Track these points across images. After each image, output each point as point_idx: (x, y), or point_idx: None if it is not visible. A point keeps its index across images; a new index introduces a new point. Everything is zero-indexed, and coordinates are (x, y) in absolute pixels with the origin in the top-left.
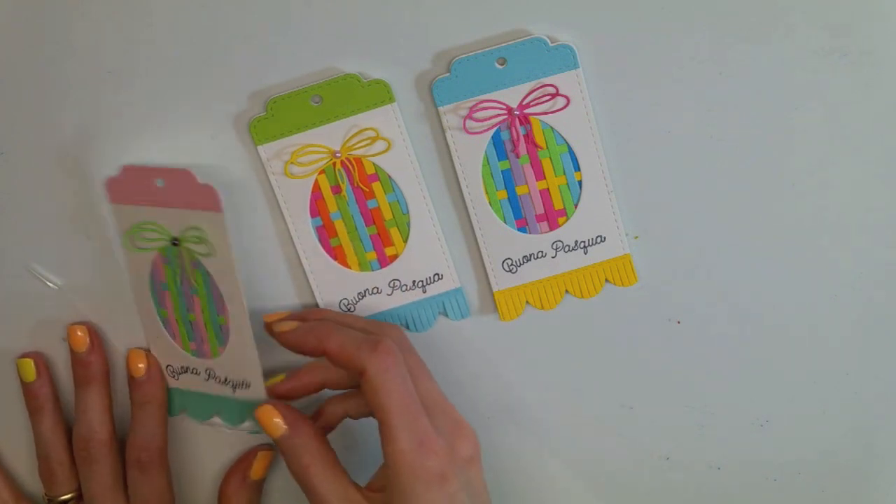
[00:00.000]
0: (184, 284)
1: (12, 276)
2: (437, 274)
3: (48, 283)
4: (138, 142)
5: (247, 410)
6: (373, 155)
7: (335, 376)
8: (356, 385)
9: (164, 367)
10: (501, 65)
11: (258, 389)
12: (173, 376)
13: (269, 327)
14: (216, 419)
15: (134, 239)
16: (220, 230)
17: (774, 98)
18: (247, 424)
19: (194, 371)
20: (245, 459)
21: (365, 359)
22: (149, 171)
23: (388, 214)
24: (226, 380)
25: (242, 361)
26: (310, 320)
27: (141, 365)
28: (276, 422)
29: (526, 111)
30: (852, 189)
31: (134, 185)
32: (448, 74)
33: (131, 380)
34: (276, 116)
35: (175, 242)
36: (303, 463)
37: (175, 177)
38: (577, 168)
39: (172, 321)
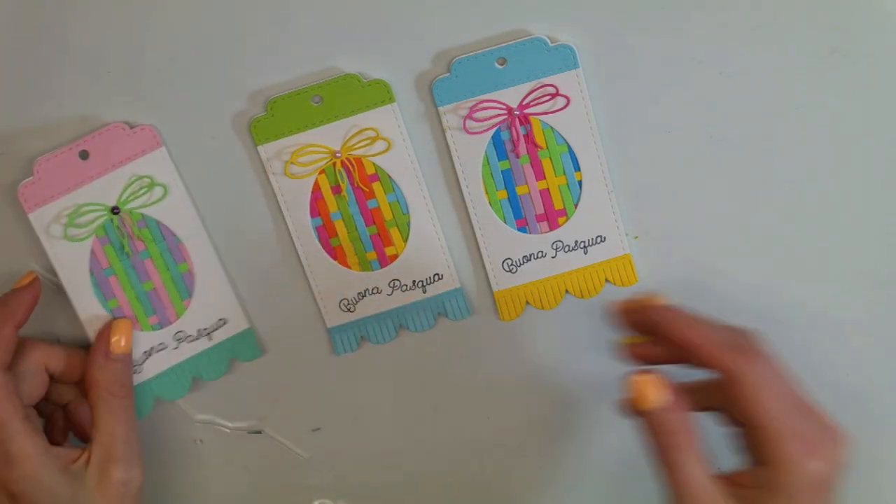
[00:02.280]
0: (132, 255)
1: (13, 276)
2: (437, 274)
3: (47, 282)
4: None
5: (231, 349)
6: (373, 155)
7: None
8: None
9: None
10: (501, 65)
11: (239, 320)
12: (137, 371)
13: (624, 306)
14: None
15: (70, 231)
16: (167, 165)
17: (774, 98)
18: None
19: (159, 348)
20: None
21: (736, 361)
22: (69, 151)
23: (388, 214)
24: (199, 332)
25: (215, 299)
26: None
27: (124, 338)
28: (660, 392)
29: (526, 111)
30: (852, 189)
31: (55, 176)
32: (448, 74)
33: (102, 359)
34: (276, 116)
35: (115, 211)
36: (673, 442)
37: (101, 139)
38: (577, 168)
39: (125, 305)
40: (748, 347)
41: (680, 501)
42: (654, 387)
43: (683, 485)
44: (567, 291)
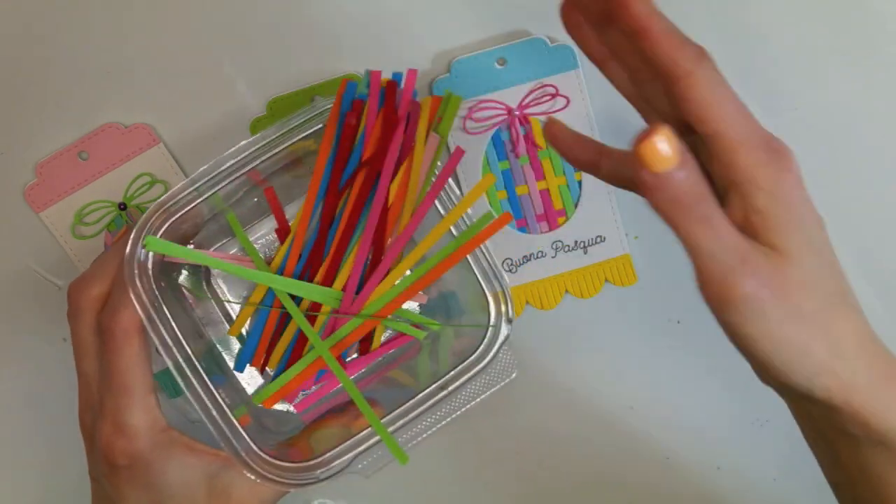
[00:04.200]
0: None
1: (14, 276)
2: None
3: (49, 283)
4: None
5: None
6: None
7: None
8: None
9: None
10: (501, 65)
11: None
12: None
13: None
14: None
15: (78, 229)
16: (166, 160)
17: (774, 98)
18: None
19: None
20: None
21: (692, 60)
22: (68, 152)
23: None
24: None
25: None
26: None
27: None
28: (667, 152)
29: (526, 111)
30: (852, 190)
31: (57, 177)
32: (448, 74)
33: None
34: (276, 116)
35: (122, 207)
36: (688, 213)
37: (98, 139)
38: (577, 168)
39: None
40: (701, 49)
41: (712, 259)
42: (668, 142)
43: (715, 238)
44: (567, 291)
